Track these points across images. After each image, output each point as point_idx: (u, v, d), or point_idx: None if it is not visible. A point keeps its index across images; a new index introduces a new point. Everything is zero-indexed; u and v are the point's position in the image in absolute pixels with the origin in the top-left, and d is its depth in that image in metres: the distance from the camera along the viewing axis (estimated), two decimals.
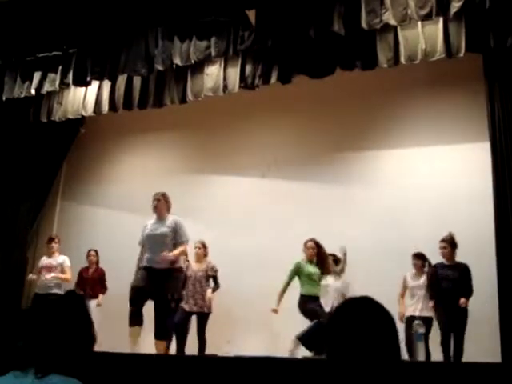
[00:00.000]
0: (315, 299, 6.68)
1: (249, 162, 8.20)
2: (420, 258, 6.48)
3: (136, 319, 5.80)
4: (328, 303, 6.67)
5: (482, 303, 6.17)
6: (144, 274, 5.85)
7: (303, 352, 6.28)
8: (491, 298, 5.88)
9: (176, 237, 5.94)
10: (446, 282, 6.06)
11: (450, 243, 6.14)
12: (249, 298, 7.21)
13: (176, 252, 5.88)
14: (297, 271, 6.77)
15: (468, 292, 5.98)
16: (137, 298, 5.79)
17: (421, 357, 5.07)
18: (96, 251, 8.00)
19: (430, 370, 4.06)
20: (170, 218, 6.03)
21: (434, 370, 4.07)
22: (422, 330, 5.08)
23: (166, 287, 5.81)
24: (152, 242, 5.91)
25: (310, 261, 6.80)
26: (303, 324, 6.54)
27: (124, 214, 8.18)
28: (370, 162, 7.71)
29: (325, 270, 6.79)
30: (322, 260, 6.81)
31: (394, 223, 7.04)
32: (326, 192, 7.72)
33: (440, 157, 7.27)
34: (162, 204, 6.04)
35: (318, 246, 6.82)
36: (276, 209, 7.77)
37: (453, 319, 5.85)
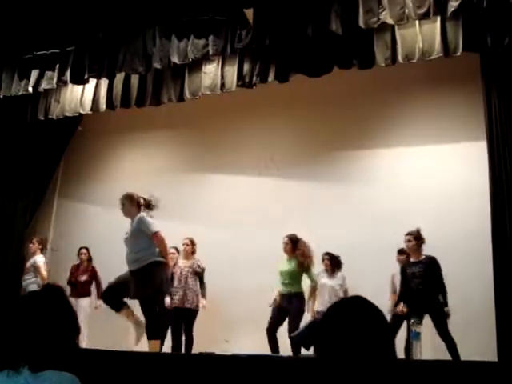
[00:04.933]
0: (286, 297, 6.65)
1: (246, 160, 8.21)
2: (404, 253, 6.45)
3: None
4: (324, 303, 6.69)
5: (479, 301, 6.19)
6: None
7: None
8: (488, 296, 5.89)
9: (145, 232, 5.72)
10: (415, 279, 5.95)
11: (415, 237, 6.04)
12: (247, 297, 7.22)
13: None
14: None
15: (440, 289, 5.84)
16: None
17: (417, 355, 5.08)
18: (87, 248, 8.01)
19: (426, 369, 4.07)
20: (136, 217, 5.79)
21: (430, 369, 4.08)
22: (418, 329, 5.09)
23: (139, 288, 5.61)
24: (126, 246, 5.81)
25: (289, 257, 6.78)
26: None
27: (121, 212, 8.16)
28: (368, 160, 7.72)
29: (297, 265, 6.70)
30: (299, 255, 6.74)
31: (392, 221, 7.04)
32: (324, 190, 7.74)
33: (437, 155, 7.29)
34: (126, 208, 5.86)
35: (293, 242, 6.77)
36: (274, 207, 7.78)
37: (432, 317, 5.77)
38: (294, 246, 6.76)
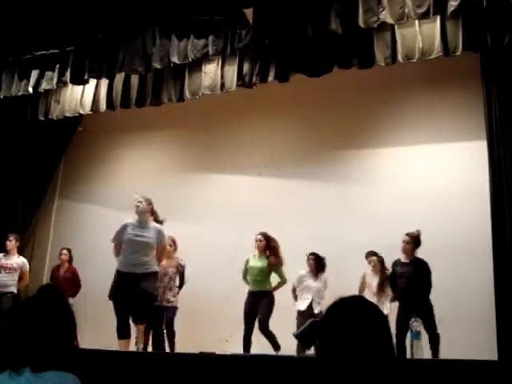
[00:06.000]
0: (256, 295, 6.71)
1: (246, 160, 8.20)
2: (374, 255, 6.55)
3: (124, 332, 6.04)
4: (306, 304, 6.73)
5: (479, 301, 6.19)
6: (123, 280, 6.08)
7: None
8: (488, 296, 5.89)
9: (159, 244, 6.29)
10: (402, 279, 6.02)
11: (413, 239, 6.09)
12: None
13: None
14: (245, 266, 6.87)
15: (426, 288, 5.88)
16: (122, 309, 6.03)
17: (418, 355, 5.08)
18: (69, 250, 7.97)
19: (426, 368, 4.07)
20: (153, 226, 6.26)
21: (430, 368, 4.08)
22: (418, 329, 5.09)
23: (145, 289, 6.05)
24: (135, 247, 6.14)
25: (260, 254, 6.84)
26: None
27: (122, 212, 8.14)
28: (368, 160, 7.72)
29: (268, 263, 6.76)
30: (270, 253, 6.82)
31: (392, 221, 7.04)
32: (324, 190, 7.73)
33: (437, 155, 7.28)
34: (143, 206, 6.26)
35: (267, 239, 6.82)
36: (273, 207, 7.78)
37: (419, 315, 5.72)
38: (268, 243, 6.82)
